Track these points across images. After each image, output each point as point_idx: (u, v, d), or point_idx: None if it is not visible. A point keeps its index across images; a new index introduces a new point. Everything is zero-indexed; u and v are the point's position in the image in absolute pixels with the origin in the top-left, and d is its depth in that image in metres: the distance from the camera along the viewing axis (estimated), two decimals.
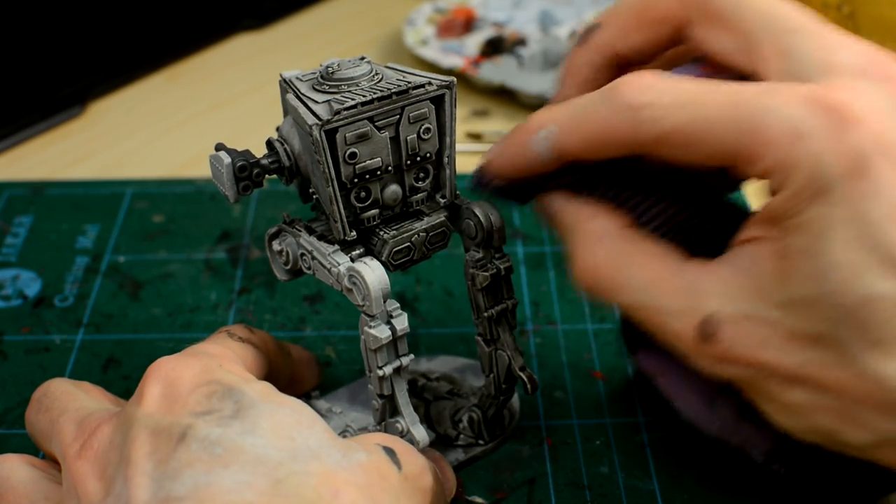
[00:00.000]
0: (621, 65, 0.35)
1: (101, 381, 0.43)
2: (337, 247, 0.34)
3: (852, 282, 0.26)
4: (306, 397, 0.41)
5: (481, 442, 0.39)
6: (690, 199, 0.33)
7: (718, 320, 0.29)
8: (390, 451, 0.31)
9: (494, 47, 0.67)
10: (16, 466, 0.33)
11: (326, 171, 0.32)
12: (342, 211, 0.33)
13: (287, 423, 0.30)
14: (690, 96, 0.29)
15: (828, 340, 0.27)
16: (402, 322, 0.34)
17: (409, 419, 0.36)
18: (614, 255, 0.31)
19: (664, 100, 0.29)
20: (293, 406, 0.31)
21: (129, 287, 0.49)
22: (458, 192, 0.36)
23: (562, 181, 0.33)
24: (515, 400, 0.41)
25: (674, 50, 0.35)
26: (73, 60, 0.67)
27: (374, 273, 0.33)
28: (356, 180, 0.33)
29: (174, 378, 0.31)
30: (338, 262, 0.34)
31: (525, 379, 0.37)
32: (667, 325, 0.30)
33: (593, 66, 0.35)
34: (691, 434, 0.40)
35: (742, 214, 0.32)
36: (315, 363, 0.42)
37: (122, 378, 0.44)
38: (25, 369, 0.44)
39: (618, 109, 0.30)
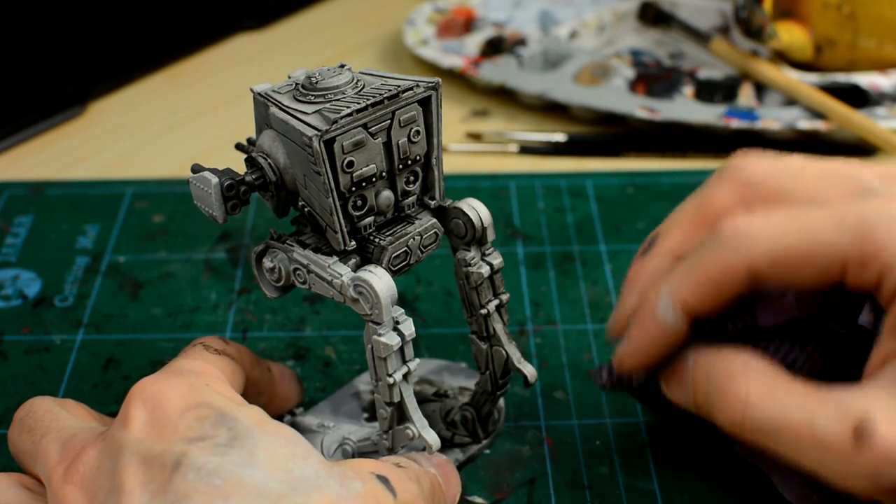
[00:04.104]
0: None
1: (101, 382, 0.44)
2: (336, 258, 0.34)
3: None
4: (290, 416, 0.41)
5: (476, 440, 0.39)
6: (813, 338, 0.34)
7: (875, 421, 0.29)
8: (384, 480, 0.31)
9: (494, 47, 0.67)
10: (5, 488, 0.33)
11: (327, 182, 0.32)
12: (342, 221, 0.33)
13: (283, 453, 0.29)
14: (794, 217, 0.31)
15: None
16: (408, 327, 0.34)
17: (419, 424, 0.35)
18: (763, 383, 0.31)
19: (770, 223, 0.31)
20: (287, 436, 0.30)
21: (129, 287, 0.49)
22: None
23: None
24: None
25: None
26: (73, 60, 0.67)
27: (381, 280, 0.33)
28: (353, 189, 0.33)
29: (160, 400, 0.30)
30: (339, 274, 0.34)
31: (525, 372, 0.37)
32: (817, 435, 0.30)
33: (656, 273, 0.35)
34: (691, 434, 0.40)
35: (861, 339, 0.33)
36: (296, 380, 0.41)
37: (122, 378, 0.44)
38: (25, 369, 0.44)
39: (729, 244, 0.31)
